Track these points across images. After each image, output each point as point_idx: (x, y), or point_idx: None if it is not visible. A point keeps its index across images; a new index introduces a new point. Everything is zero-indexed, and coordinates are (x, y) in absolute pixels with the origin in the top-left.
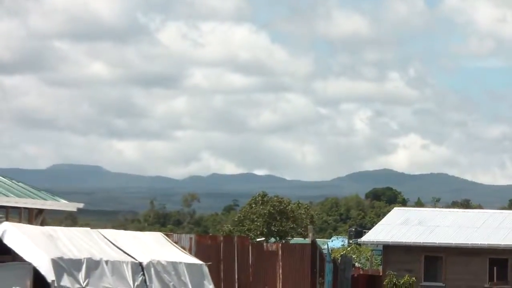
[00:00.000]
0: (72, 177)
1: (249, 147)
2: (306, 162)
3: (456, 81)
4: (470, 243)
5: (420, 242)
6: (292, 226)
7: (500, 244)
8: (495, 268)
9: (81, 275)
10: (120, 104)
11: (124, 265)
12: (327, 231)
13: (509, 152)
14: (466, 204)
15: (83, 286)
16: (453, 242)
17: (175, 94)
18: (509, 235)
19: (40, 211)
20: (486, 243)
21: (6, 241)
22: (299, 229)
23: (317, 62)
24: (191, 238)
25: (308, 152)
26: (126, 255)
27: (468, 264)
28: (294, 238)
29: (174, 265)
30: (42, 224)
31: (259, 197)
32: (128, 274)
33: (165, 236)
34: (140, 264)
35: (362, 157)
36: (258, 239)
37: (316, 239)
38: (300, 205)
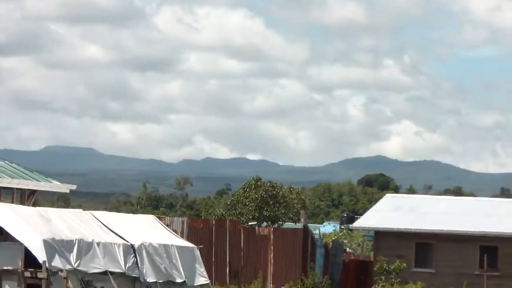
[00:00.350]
0: (65, 159)
1: (242, 131)
2: (299, 147)
3: (450, 69)
4: (461, 230)
5: (412, 229)
6: (284, 211)
7: (491, 232)
8: (485, 255)
9: (73, 256)
10: (115, 87)
11: (116, 247)
12: (319, 217)
13: (502, 140)
14: (458, 192)
15: (75, 267)
16: (444, 229)
17: (169, 78)
18: (500, 223)
19: (33, 192)
20: (477, 230)
21: None
22: (291, 214)
23: (312, 48)
24: (183, 221)
25: (301, 138)
26: (118, 237)
27: (459, 251)
28: (286, 223)
29: (166, 247)
30: (35, 205)
31: (253, 181)
32: (120, 255)
33: (157, 219)
34: (132, 246)
35: (355, 143)
36: (250, 223)
37: (308, 224)
38: (292, 190)
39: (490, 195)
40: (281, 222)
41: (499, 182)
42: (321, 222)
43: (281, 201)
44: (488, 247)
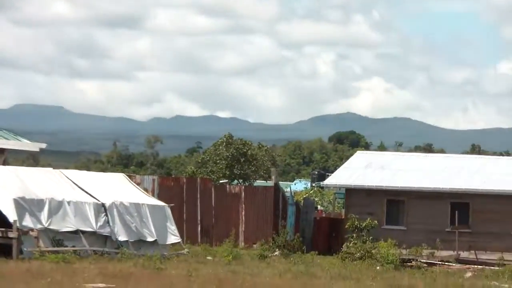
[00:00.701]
0: (34, 117)
1: (212, 89)
2: (269, 105)
3: (421, 25)
4: (432, 187)
5: (382, 186)
6: (254, 169)
7: (462, 188)
8: (456, 212)
9: (44, 215)
10: (83, 44)
11: (87, 205)
12: (290, 174)
13: (472, 97)
14: (428, 149)
15: (46, 226)
16: (415, 186)
17: (138, 35)
18: (470, 179)
19: (2, 150)
20: (447, 187)
21: None
22: (262, 172)
23: (281, 4)
24: (154, 180)
25: (271, 95)
26: (88, 195)
27: (430, 208)
28: (257, 181)
29: (137, 206)
30: (4, 164)
31: (225, 139)
32: (91, 214)
33: (127, 178)
34: (103, 205)
35: (325, 101)
36: (221, 181)
37: (279, 182)
38: (261, 147)
39: (461, 152)
40: (252, 180)
41: (469, 139)
42: (292, 180)
43: (251, 159)
44: (459, 203)
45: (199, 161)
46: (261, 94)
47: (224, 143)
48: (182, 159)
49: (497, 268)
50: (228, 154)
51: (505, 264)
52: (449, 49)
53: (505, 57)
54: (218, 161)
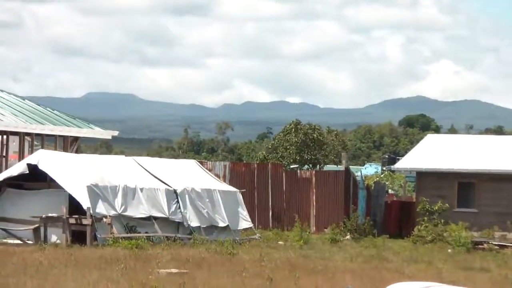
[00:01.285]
0: (106, 105)
1: (282, 74)
2: (339, 89)
3: (489, 5)
4: (503, 169)
5: (454, 169)
6: (324, 153)
7: None
8: None
9: (117, 202)
10: (153, 32)
11: (159, 192)
12: (361, 158)
13: None
14: (499, 131)
15: (119, 212)
16: (486, 168)
17: (207, 22)
18: None
19: (75, 138)
20: None
21: (42, 167)
22: (332, 157)
23: None
24: (225, 166)
25: (341, 80)
26: (160, 182)
27: (501, 190)
28: (327, 166)
29: (208, 192)
30: (77, 151)
31: (293, 125)
32: (163, 201)
33: (199, 164)
34: (175, 191)
35: (395, 84)
36: (291, 167)
37: (350, 166)
38: (330, 131)
39: None
40: (322, 165)
41: None
42: (363, 164)
43: (321, 143)
44: None
45: (269, 146)
46: (330, 78)
47: (293, 129)
48: (253, 145)
49: None
50: (297, 139)
51: None
52: None
53: None
54: (288, 147)
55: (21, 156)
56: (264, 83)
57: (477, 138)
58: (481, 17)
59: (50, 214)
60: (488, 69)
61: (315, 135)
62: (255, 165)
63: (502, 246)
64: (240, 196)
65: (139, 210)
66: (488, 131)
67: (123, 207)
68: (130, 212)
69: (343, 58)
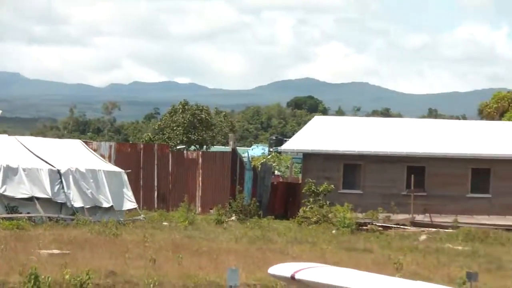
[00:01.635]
0: None
1: (171, 55)
2: (228, 70)
3: None
4: (388, 151)
5: (339, 150)
6: (211, 134)
7: (418, 152)
8: (412, 175)
9: None
10: (39, 10)
11: (42, 172)
12: (248, 140)
13: (429, 61)
14: (386, 113)
15: (0, 192)
16: (372, 150)
17: (95, 0)
18: (427, 143)
19: None
20: (404, 151)
21: None
22: (219, 137)
23: None
24: (111, 146)
25: (230, 61)
26: (44, 162)
27: (387, 171)
28: (214, 147)
29: (93, 172)
30: None
31: (180, 106)
32: (46, 181)
33: (84, 144)
34: (58, 171)
35: (284, 66)
36: (178, 147)
37: (237, 147)
38: (218, 112)
39: (418, 116)
40: (209, 146)
41: (426, 103)
42: (250, 145)
43: (208, 124)
44: (415, 167)
45: (156, 127)
46: (220, 59)
47: (180, 109)
48: (140, 126)
49: (451, 230)
50: (184, 120)
51: (459, 227)
52: (407, 14)
53: (462, 22)
54: (175, 128)
55: None
56: (152, 63)
57: (364, 120)
58: (371, 1)
59: None
60: (377, 52)
61: (203, 116)
62: (141, 146)
63: (385, 227)
64: (125, 177)
65: (20, 190)
66: (375, 113)
67: (4, 187)
68: (11, 192)
69: (233, 39)
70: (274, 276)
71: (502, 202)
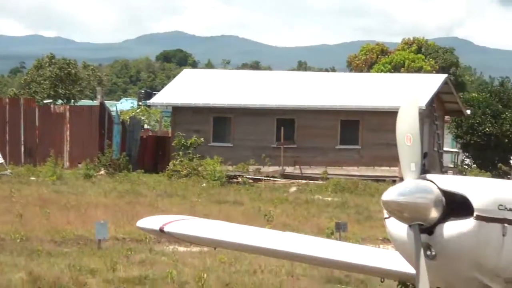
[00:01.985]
0: None
1: (36, 7)
2: (95, 23)
3: None
4: (258, 104)
5: (209, 104)
6: (79, 89)
7: (287, 105)
8: (282, 128)
9: None
10: None
11: None
12: (117, 93)
13: (298, 13)
14: (255, 66)
15: None
16: (241, 103)
17: None
18: (296, 96)
19: None
20: (274, 104)
21: None
22: (87, 92)
23: None
24: None
25: (97, 13)
26: None
27: (256, 124)
28: (82, 101)
29: None
30: None
31: (47, 59)
32: None
33: None
34: None
35: (152, 19)
36: (45, 102)
37: (105, 101)
38: (86, 66)
39: (287, 69)
40: (77, 100)
41: (296, 56)
42: (119, 99)
43: (76, 78)
44: (284, 120)
45: (22, 82)
46: (87, 12)
47: (47, 63)
48: (5, 80)
49: (321, 182)
50: (51, 74)
51: (328, 178)
52: None
53: None
54: (41, 82)
55: None
56: (17, 16)
57: (233, 73)
58: None
59: None
60: (246, 4)
61: (70, 70)
62: (7, 100)
63: (256, 180)
64: None
65: None
66: (244, 67)
67: None
68: None
69: None
70: (143, 229)
71: (371, 153)
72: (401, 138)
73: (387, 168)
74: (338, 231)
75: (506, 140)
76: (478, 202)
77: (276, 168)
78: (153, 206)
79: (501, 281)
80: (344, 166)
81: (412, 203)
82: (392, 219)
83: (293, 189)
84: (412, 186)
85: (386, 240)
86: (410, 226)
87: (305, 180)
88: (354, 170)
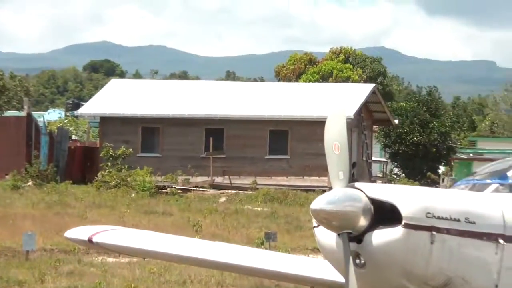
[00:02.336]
0: None
1: None
2: (22, 33)
3: None
4: (186, 114)
5: (137, 114)
6: (6, 99)
7: (216, 115)
8: (211, 138)
9: None
10: None
11: None
12: (44, 104)
13: (226, 23)
14: (184, 76)
15: None
16: (170, 113)
17: None
18: (225, 106)
19: None
20: (202, 113)
21: None
22: (14, 102)
23: None
24: None
25: (24, 23)
26: None
27: (185, 134)
28: (9, 111)
29: None
30: None
31: None
32: None
33: None
34: None
35: (80, 29)
36: None
37: (32, 112)
38: (13, 76)
39: (215, 78)
40: (3, 111)
41: (224, 66)
42: (46, 110)
43: (3, 89)
44: (213, 130)
45: None
46: (13, 22)
47: None
48: None
49: (251, 192)
50: None
51: (258, 188)
52: None
53: None
54: None
55: None
56: None
57: (162, 83)
58: None
59: None
60: (174, 14)
61: None
62: None
63: (185, 190)
64: None
65: None
66: (172, 76)
67: None
68: None
69: (25, 0)
70: (71, 239)
71: (300, 163)
72: (329, 146)
73: (317, 178)
74: (268, 241)
75: (434, 149)
76: (406, 210)
77: (205, 178)
78: (81, 217)
79: None
80: (273, 176)
81: (341, 212)
82: (321, 227)
83: (223, 199)
84: (340, 194)
85: (316, 250)
86: (339, 234)
87: (235, 190)
88: (283, 180)
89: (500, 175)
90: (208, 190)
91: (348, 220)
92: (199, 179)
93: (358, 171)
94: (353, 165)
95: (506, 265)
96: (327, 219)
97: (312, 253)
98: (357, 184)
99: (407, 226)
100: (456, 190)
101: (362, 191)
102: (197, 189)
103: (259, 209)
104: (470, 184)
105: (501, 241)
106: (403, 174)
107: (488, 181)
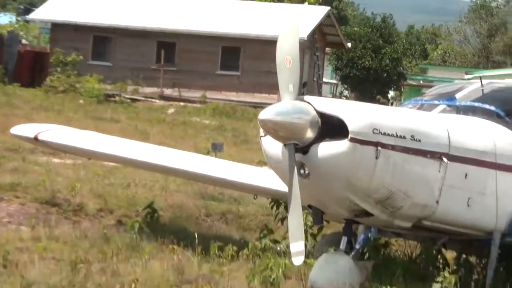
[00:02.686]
0: None
1: None
2: None
3: None
4: (139, 25)
5: (90, 22)
6: None
7: (169, 28)
8: (162, 50)
9: None
10: None
11: None
12: None
13: None
14: None
15: None
16: (123, 24)
17: None
18: (179, 20)
19: None
20: (156, 26)
21: None
22: None
23: None
24: None
25: None
26: None
27: (137, 46)
28: None
29: None
30: None
31: None
32: None
33: None
34: None
35: None
36: None
37: None
38: None
39: None
40: None
41: None
42: None
43: None
44: (166, 43)
45: None
46: None
47: None
48: None
49: (199, 105)
50: None
51: (207, 102)
52: None
53: None
54: None
55: None
56: None
57: None
58: None
59: None
60: None
61: None
62: None
63: (134, 100)
64: None
65: None
66: None
67: None
68: None
69: None
70: (17, 136)
71: (251, 80)
72: (281, 60)
73: (266, 95)
74: (214, 151)
75: (385, 74)
76: (353, 125)
77: (155, 89)
78: (28, 119)
79: (372, 202)
80: (223, 91)
81: (289, 123)
82: (268, 137)
83: (171, 110)
84: (289, 106)
85: (262, 163)
86: (285, 145)
87: (184, 102)
88: (233, 96)
89: (448, 97)
90: (157, 101)
91: (295, 131)
92: (149, 89)
93: (309, 91)
94: (303, 84)
95: (448, 183)
96: (275, 129)
97: (258, 166)
98: (306, 97)
99: (353, 140)
100: (404, 108)
101: (310, 104)
102: (146, 99)
103: (207, 121)
104: (418, 104)
105: (444, 159)
106: (353, 95)
107: (436, 102)
